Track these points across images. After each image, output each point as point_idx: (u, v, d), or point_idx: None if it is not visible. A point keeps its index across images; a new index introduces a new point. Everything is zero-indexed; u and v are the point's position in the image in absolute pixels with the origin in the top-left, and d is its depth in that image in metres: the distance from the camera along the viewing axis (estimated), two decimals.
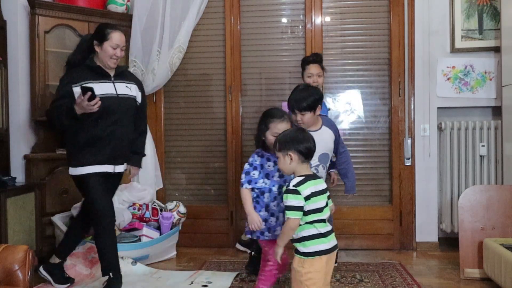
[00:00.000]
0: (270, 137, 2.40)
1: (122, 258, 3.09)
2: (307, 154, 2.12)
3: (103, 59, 2.73)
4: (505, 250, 2.66)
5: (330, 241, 2.08)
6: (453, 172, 3.69)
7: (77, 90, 2.63)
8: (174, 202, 3.65)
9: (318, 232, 2.05)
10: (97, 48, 2.74)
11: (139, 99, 2.91)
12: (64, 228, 3.24)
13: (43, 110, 3.50)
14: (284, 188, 2.12)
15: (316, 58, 3.24)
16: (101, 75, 2.74)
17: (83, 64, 2.75)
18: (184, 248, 3.76)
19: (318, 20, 3.84)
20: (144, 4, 3.77)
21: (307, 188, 2.04)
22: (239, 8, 3.90)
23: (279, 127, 2.38)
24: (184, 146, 4.03)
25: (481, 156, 3.66)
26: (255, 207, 2.44)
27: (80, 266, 3.06)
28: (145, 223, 3.49)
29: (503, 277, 2.61)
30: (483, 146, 3.65)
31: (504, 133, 3.49)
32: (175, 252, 3.63)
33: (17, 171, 3.48)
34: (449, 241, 3.74)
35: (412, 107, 3.75)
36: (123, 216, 3.40)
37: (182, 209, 3.63)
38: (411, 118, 3.76)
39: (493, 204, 3.05)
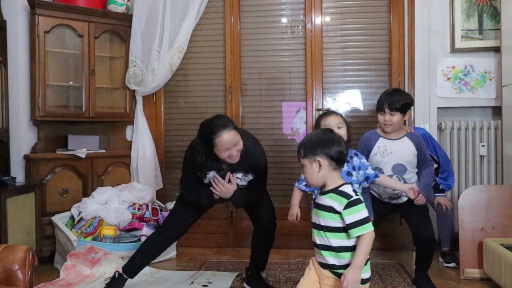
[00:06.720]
0: None
1: (122, 258, 3.10)
2: (338, 159, 1.77)
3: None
4: (505, 250, 2.66)
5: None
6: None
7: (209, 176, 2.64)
8: (174, 202, 3.64)
9: None
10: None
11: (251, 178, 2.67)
12: (64, 228, 3.25)
13: (43, 110, 3.51)
14: (345, 201, 1.74)
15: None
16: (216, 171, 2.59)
17: (202, 161, 2.56)
18: (184, 248, 3.75)
19: (318, 20, 3.84)
20: (144, 4, 3.77)
21: None
22: (239, 8, 3.90)
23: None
24: (184, 146, 3.95)
25: (481, 156, 3.66)
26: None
27: (80, 266, 3.05)
28: (145, 223, 3.49)
29: (503, 277, 2.61)
30: (483, 146, 3.65)
31: (504, 133, 3.49)
32: (175, 252, 3.62)
33: (17, 171, 3.48)
34: None
35: (412, 107, 3.74)
36: (122, 216, 3.40)
37: None
38: (411, 118, 3.75)
39: (493, 204, 3.04)
